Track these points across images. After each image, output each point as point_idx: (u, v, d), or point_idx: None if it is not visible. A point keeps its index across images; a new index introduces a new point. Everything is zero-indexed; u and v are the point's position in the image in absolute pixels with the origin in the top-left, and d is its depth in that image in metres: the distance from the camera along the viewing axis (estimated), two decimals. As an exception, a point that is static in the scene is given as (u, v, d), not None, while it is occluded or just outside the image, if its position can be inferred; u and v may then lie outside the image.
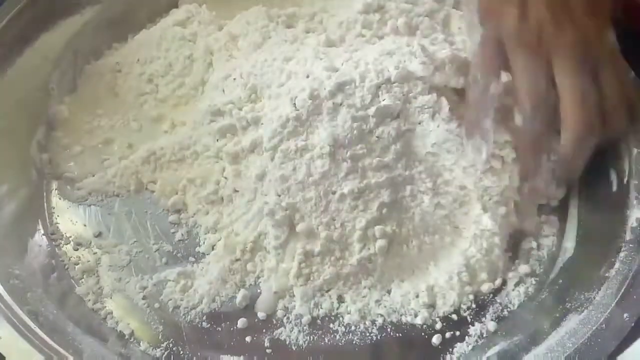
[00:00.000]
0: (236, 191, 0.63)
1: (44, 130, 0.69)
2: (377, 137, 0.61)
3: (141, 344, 0.57)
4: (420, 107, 0.63)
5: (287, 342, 0.58)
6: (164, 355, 0.56)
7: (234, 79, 0.67)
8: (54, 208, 0.64)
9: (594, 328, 0.53)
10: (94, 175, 0.66)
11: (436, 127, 0.62)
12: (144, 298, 0.59)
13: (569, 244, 0.65)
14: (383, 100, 0.62)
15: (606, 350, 0.51)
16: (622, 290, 0.55)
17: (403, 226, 0.61)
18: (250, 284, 0.61)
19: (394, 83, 0.62)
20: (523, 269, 0.63)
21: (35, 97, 0.69)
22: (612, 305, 0.54)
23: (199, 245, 0.64)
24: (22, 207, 0.62)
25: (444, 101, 0.63)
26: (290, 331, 0.58)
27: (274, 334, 0.58)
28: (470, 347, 0.59)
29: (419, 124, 0.63)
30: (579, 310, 0.56)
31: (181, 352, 0.57)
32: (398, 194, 0.61)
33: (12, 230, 0.59)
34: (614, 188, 0.64)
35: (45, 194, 0.65)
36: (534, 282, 0.63)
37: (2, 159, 0.63)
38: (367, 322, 0.60)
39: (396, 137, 0.62)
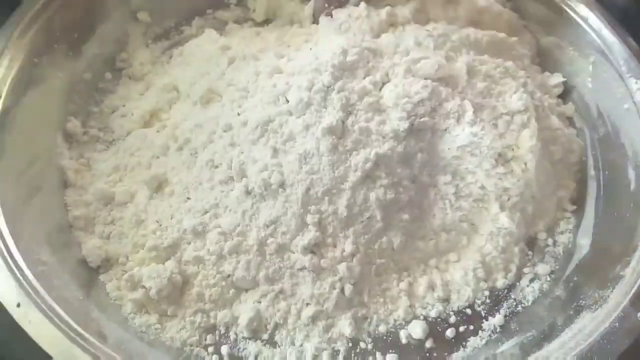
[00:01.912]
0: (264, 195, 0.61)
1: (71, 122, 0.70)
2: (403, 148, 0.61)
3: (164, 330, 0.58)
4: (447, 114, 0.63)
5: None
6: (187, 341, 0.58)
7: None
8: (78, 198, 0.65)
9: (607, 326, 0.53)
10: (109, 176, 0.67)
11: (462, 130, 0.63)
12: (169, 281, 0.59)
13: (585, 240, 0.65)
14: (414, 117, 0.62)
15: (619, 349, 0.52)
16: (637, 289, 0.55)
17: (422, 226, 0.62)
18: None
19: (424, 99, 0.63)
20: (538, 265, 0.64)
21: (65, 90, 0.71)
22: (626, 304, 0.54)
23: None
24: (49, 197, 0.64)
25: (467, 104, 0.63)
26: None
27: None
28: (483, 341, 0.59)
29: (446, 130, 0.63)
30: (593, 308, 0.56)
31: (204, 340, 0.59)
32: (422, 199, 0.62)
33: (39, 219, 0.61)
34: (632, 186, 0.64)
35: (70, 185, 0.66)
36: (548, 278, 0.63)
37: (29, 147, 0.64)
38: (382, 314, 0.61)
39: (422, 147, 0.62)
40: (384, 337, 0.60)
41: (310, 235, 0.59)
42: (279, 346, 0.58)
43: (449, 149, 0.63)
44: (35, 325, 0.51)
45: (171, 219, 0.61)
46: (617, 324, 0.53)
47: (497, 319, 0.61)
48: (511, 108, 0.65)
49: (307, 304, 0.59)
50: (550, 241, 0.66)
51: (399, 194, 0.61)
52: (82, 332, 0.52)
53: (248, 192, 0.60)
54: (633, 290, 0.55)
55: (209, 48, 0.72)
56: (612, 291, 0.56)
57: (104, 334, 0.53)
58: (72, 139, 0.69)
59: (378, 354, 0.58)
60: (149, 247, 0.60)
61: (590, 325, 0.55)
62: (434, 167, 0.62)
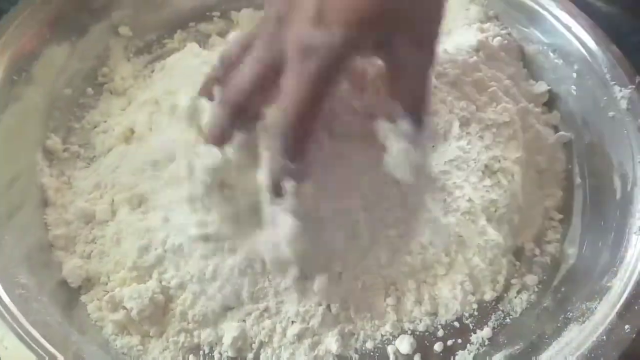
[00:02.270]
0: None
1: (51, 139, 0.69)
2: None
3: (146, 352, 0.57)
4: (434, 130, 0.62)
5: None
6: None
7: None
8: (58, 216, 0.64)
9: (594, 339, 0.53)
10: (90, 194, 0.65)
11: (448, 145, 0.62)
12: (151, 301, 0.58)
13: (572, 250, 0.65)
14: None
15: (606, 363, 0.51)
16: (624, 301, 0.55)
17: (410, 242, 0.61)
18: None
19: None
20: (526, 276, 0.63)
21: (45, 107, 0.70)
22: (614, 316, 0.54)
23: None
24: (29, 216, 0.62)
25: (454, 119, 0.62)
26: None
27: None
28: (471, 354, 0.59)
29: (433, 147, 0.62)
30: (580, 320, 0.56)
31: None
32: (410, 216, 0.61)
33: (19, 239, 0.59)
34: (618, 195, 0.64)
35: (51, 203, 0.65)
36: (536, 289, 0.63)
37: (8, 166, 0.63)
38: (368, 329, 0.60)
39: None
40: (371, 354, 0.59)
41: (295, 252, 0.58)
42: (265, 365, 0.58)
43: (436, 164, 0.62)
44: (11, 351, 0.49)
45: (153, 237, 0.60)
46: (604, 337, 0.53)
47: (485, 332, 0.60)
48: (497, 119, 0.65)
49: (293, 322, 0.58)
50: (537, 251, 0.65)
51: (386, 212, 0.60)
52: (60, 357, 0.50)
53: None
54: (620, 302, 0.55)
55: (191, 62, 0.72)
56: (599, 302, 0.56)
57: (83, 358, 0.52)
58: (53, 156, 0.68)
59: (365, 371, 0.58)
60: (130, 266, 0.59)
61: (578, 338, 0.54)
62: (421, 185, 0.61)
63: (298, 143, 0.51)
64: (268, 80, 0.52)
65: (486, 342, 0.59)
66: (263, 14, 0.58)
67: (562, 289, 0.62)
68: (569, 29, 0.72)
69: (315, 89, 0.50)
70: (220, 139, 0.55)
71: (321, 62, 0.49)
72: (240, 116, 0.55)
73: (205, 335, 0.58)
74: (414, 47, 0.52)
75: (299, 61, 0.50)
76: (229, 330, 0.58)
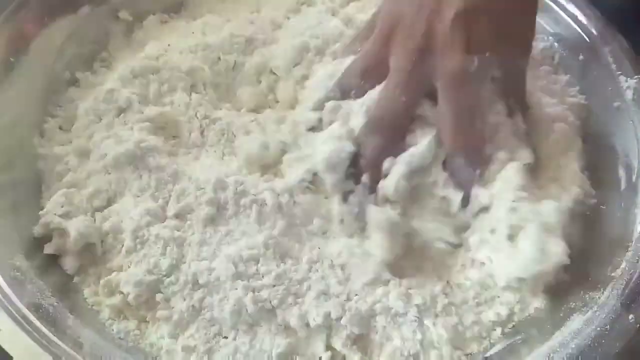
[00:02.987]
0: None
1: (48, 123, 0.68)
2: None
3: (143, 336, 0.56)
4: None
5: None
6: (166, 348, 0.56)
7: None
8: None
9: (597, 329, 0.52)
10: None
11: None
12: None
13: (575, 240, 0.63)
14: None
15: (610, 353, 0.51)
16: (628, 291, 0.54)
17: None
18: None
19: None
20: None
21: (43, 91, 0.69)
22: (617, 306, 0.53)
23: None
24: (23, 197, 0.62)
25: None
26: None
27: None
28: (472, 344, 0.58)
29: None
30: (584, 310, 0.55)
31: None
32: None
33: (12, 221, 0.59)
34: (623, 186, 0.63)
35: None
36: (540, 279, 0.62)
37: (5, 148, 0.62)
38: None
39: None
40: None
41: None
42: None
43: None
44: (6, 333, 0.49)
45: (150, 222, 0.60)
46: (608, 327, 0.52)
47: (486, 322, 0.59)
48: None
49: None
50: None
51: None
52: (56, 340, 0.50)
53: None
54: (624, 292, 0.54)
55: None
56: (602, 293, 0.55)
57: (79, 342, 0.51)
58: (50, 140, 0.67)
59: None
60: (127, 250, 0.58)
61: (581, 327, 0.53)
62: None
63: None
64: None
65: (488, 333, 0.59)
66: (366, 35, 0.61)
67: (565, 280, 0.61)
68: (574, 18, 0.72)
69: (475, 112, 0.55)
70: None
71: (479, 86, 0.54)
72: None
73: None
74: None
75: (456, 88, 0.53)
76: None
